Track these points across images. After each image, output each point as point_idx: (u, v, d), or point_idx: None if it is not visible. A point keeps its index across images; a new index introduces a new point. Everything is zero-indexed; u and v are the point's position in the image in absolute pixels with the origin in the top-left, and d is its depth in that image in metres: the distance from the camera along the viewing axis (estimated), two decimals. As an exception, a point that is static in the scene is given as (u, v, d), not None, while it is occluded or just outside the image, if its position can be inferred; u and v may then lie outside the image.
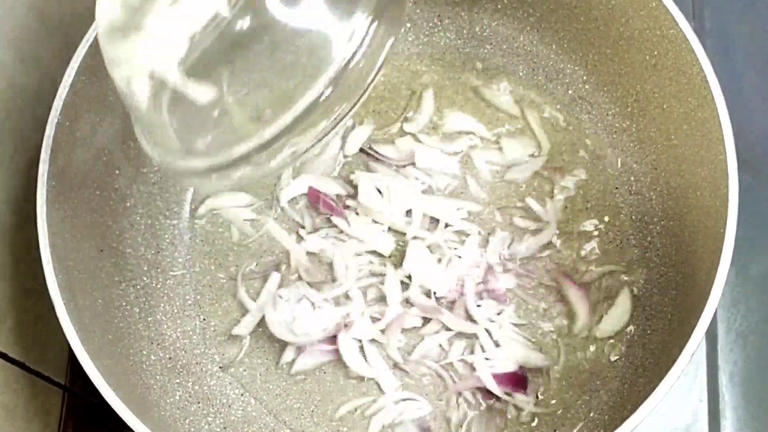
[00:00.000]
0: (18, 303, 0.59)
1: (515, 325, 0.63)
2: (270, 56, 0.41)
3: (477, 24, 0.67)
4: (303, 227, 0.66)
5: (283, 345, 0.63)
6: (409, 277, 0.63)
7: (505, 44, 0.68)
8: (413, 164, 0.67)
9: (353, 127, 0.68)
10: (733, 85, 0.58)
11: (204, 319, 0.65)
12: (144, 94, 0.43)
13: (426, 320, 0.63)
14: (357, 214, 0.65)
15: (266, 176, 0.49)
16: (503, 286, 0.63)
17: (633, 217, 0.65)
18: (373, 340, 0.63)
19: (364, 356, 0.62)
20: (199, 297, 0.66)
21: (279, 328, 0.62)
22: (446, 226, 0.65)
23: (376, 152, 0.67)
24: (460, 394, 0.62)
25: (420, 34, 0.69)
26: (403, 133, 0.68)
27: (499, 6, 0.65)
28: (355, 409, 0.62)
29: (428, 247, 0.64)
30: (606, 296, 0.63)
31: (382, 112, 0.69)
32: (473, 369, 0.62)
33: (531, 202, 0.66)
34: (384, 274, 0.64)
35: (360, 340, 0.63)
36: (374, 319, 0.63)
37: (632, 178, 0.65)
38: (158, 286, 0.64)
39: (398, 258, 0.64)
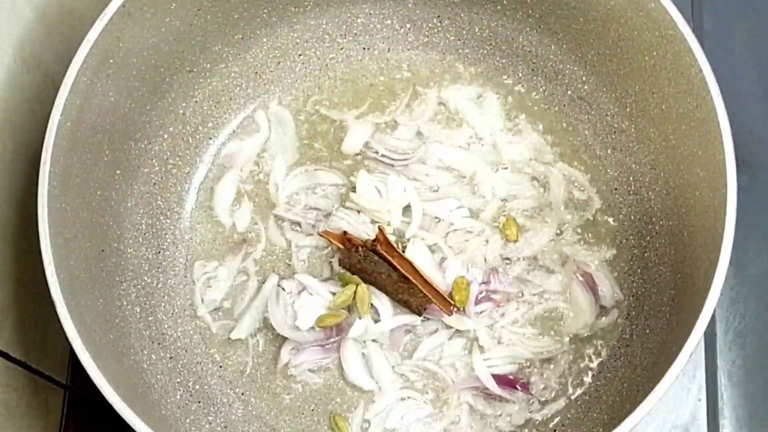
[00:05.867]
0: (19, 303, 0.59)
1: (515, 325, 0.63)
2: None
3: (477, 24, 0.68)
4: (300, 225, 0.66)
5: (283, 345, 0.64)
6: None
7: (504, 45, 0.68)
8: (413, 163, 0.67)
9: (353, 126, 0.68)
10: (732, 85, 0.58)
11: (204, 319, 0.65)
12: None
13: (426, 320, 0.63)
14: (358, 212, 0.65)
15: None
16: (504, 286, 0.64)
17: (632, 216, 0.65)
18: (374, 340, 0.63)
19: (366, 365, 0.63)
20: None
21: (281, 325, 0.63)
22: (444, 224, 0.65)
23: (376, 151, 0.67)
24: (459, 393, 0.62)
25: (420, 35, 0.69)
26: (402, 133, 0.68)
27: (499, 7, 0.65)
28: (355, 409, 0.63)
29: (429, 246, 0.64)
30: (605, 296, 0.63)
31: (382, 113, 0.69)
32: (473, 369, 0.62)
33: (531, 202, 0.66)
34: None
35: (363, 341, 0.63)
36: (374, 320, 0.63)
37: (631, 178, 0.65)
38: (159, 286, 0.64)
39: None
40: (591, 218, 0.65)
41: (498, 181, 0.66)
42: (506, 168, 0.67)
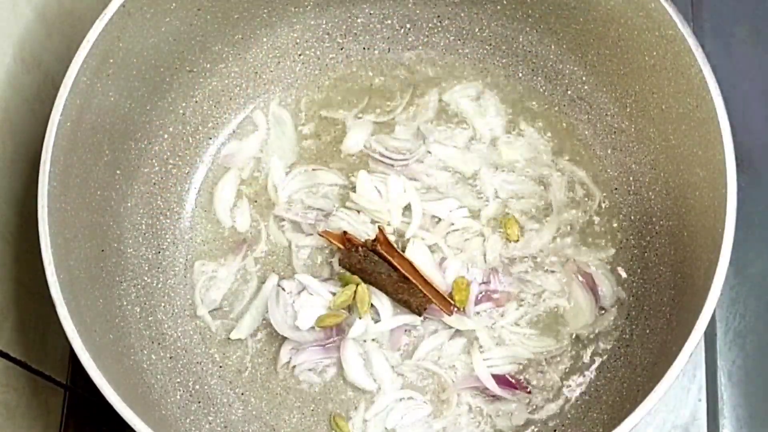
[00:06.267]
0: (19, 303, 0.59)
1: (515, 325, 0.63)
2: None
3: (477, 24, 0.68)
4: (300, 225, 0.66)
5: (282, 345, 0.64)
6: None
7: (504, 45, 0.68)
8: (413, 163, 0.67)
9: (353, 126, 0.68)
10: (732, 85, 0.58)
11: (204, 319, 0.65)
12: None
13: (426, 320, 0.63)
14: (358, 212, 0.65)
15: None
16: (504, 286, 0.64)
17: (632, 217, 0.65)
18: (374, 340, 0.63)
19: (366, 365, 0.63)
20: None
21: (281, 325, 0.63)
22: (443, 224, 0.65)
23: (376, 152, 0.67)
24: (459, 393, 0.62)
25: (420, 35, 0.69)
26: (402, 133, 0.68)
27: (499, 6, 0.65)
28: (355, 409, 0.63)
29: (428, 246, 0.64)
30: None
31: (383, 112, 0.69)
32: (473, 369, 0.62)
33: (531, 202, 0.66)
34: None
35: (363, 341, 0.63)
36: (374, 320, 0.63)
37: (631, 178, 0.65)
38: (159, 286, 0.64)
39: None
40: (591, 218, 0.66)
41: (498, 182, 0.66)
42: (506, 168, 0.67)
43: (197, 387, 0.62)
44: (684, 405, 0.66)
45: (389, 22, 0.69)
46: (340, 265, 0.64)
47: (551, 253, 0.65)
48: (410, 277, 0.61)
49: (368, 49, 0.70)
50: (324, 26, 0.68)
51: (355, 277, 0.62)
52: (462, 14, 0.67)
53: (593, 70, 0.65)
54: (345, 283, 0.63)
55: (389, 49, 0.70)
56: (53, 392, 0.64)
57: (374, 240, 0.62)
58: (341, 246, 0.63)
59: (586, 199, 0.66)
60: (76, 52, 0.55)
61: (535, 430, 0.61)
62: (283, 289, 0.64)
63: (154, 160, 0.65)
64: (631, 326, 0.62)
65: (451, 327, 0.63)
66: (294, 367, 0.63)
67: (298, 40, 0.69)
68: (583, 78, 0.66)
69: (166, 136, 0.66)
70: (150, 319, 0.63)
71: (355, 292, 0.62)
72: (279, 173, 0.68)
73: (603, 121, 0.66)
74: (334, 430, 0.62)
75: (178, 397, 0.60)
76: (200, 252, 0.67)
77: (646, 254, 0.63)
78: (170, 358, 0.62)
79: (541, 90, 0.68)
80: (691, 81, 0.55)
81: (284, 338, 0.63)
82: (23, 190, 0.60)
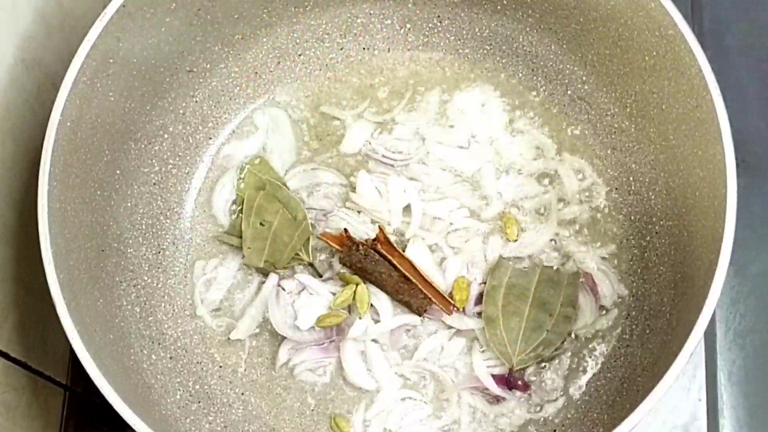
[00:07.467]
0: (20, 303, 0.59)
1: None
2: None
3: (477, 24, 0.68)
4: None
5: (281, 344, 0.64)
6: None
7: (504, 45, 0.68)
8: (413, 163, 0.67)
9: (353, 126, 0.68)
10: (732, 85, 0.58)
11: (204, 319, 0.65)
12: None
13: (426, 320, 0.63)
14: (358, 213, 0.65)
15: None
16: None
17: (632, 217, 0.65)
18: (374, 340, 0.63)
19: (366, 365, 0.63)
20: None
21: (281, 325, 0.63)
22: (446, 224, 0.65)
23: (376, 152, 0.67)
24: (459, 393, 0.62)
25: (420, 35, 0.69)
26: (402, 133, 0.68)
27: (499, 6, 0.65)
28: (355, 409, 0.63)
29: (428, 246, 0.64)
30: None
31: (383, 112, 0.69)
32: (473, 369, 0.62)
33: (531, 202, 0.66)
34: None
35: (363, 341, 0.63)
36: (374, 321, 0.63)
37: (631, 178, 0.65)
38: (159, 286, 0.64)
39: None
40: (591, 218, 0.66)
41: (498, 182, 0.66)
42: (506, 168, 0.67)
43: (197, 387, 0.62)
44: (684, 405, 0.66)
45: (389, 22, 0.69)
46: (340, 262, 0.64)
47: (551, 253, 0.65)
48: (410, 277, 0.61)
49: (368, 49, 0.70)
50: (324, 26, 0.69)
51: (356, 277, 0.62)
52: (462, 14, 0.67)
53: (593, 70, 0.65)
54: (345, 283, 0.63)
55: (389, 49, 0.70)
56: (53, 392, 0.64)
57: (374, 239, 0.62)
58: (340, 248, 0.63)
59: (587, 198, 0.66)
60: (76, 52, 0.55)
61: (535, 430, 0.61)
62: (283, 289, 0.64)
63: (154, 160, 0.65)
64: (631, 326, 0.62)
65: (451, 327, 0.63)
66: (294, 367, 0.63)
67: (298, 40, 0.69)
68: (583, 78, 0.66)
69: (166, 136, 0.66)
70: (150, 319, 0.63)
71: (355, 292, 0.62)
72: (279, 173, 0.68)
73: (603, 121, 0.66)
74: (334, 430, 0.62)
75: (178, 397, 0.60)
76: (200, 252, 0.67)
77: (646, 254, 0.63)
78: (170, 358, 0.62)
79: (541, 90, 0.68)
80: (691, 81, 0.55)
81: (284, 338, 0.63)
82: (23, 190, 0.60)
